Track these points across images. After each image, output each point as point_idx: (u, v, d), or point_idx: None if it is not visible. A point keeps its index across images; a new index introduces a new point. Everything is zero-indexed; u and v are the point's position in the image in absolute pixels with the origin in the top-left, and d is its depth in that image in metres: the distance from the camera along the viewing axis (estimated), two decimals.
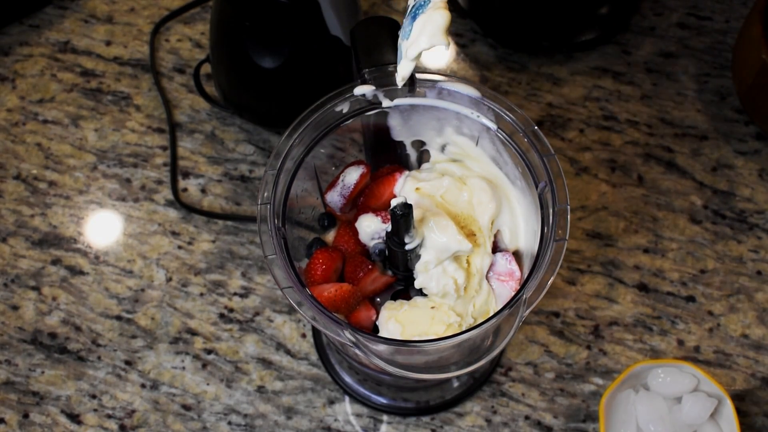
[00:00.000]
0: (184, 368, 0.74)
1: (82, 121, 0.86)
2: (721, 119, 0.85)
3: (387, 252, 0.60)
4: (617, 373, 0.73)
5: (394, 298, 0.62)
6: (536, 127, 0.59)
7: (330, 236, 0.64)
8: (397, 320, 0.58)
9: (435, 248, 0.57)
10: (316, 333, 0.75)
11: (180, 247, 0.79)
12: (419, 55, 0.54)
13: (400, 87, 0.58)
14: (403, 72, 0.56)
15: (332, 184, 0.64)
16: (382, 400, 0.72)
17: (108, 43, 0.91)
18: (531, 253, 0.58)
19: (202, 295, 0.77)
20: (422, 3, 0.53)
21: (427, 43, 0.52)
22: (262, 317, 0.76)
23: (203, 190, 0.82)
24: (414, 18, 0.53)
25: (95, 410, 0.72)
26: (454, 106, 0.61)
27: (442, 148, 0.65)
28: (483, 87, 0.60)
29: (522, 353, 0.74)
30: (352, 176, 0.63)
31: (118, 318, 0.76)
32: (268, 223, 0.56)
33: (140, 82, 0.88)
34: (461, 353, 0.59)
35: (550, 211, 0.55)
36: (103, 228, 0.80)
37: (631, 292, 0.77)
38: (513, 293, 0.57)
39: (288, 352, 0.75)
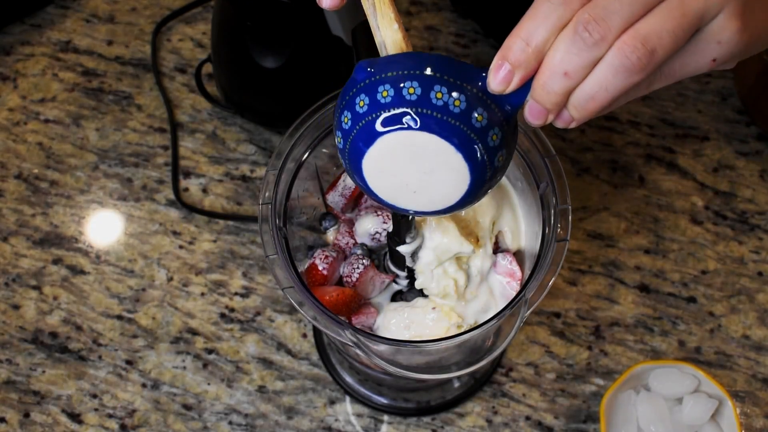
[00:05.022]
0: (185, 368, 0.74)
1: (84, 121, 0.86)
2: (723, 120, 0.85)
3: (388, 252, 0.60)
4: (618, 374, 0.73)
5: (394, 299, 0.62)
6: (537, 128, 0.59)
7: (331, 236, 0.64)
8: (398, 321, 0.58)
9: (436, 249, 0.57)
10: (317, 333, 0.75)
11: (181, 247, 0.79)
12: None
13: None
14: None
15: (333, 185, 0.64)
16: (383, 400, 0.72)
17: (109, 43, 0.91)
18: (532, 254, 0.58)
19: (203, 294, 0.77)
20: None
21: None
22: (263, 317, 0.76)
23: (204, 190, 0.82)
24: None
25: (96, 410, 0.72)
26: None
27: None
28: None
29: (523, 354, 0.74)
30: None
31: (119, 317, 0.76)
32: (269, 223, 0.56)
33: (142, 82, 0.88)
34: (462, 354, 0.59)
35: (552, 211, 0.55)
36: (104, 227, 0.80)
37: (632, 293, 0.77)
38: (514, 294, 0.57)
39: (289, 352, 0.75)
